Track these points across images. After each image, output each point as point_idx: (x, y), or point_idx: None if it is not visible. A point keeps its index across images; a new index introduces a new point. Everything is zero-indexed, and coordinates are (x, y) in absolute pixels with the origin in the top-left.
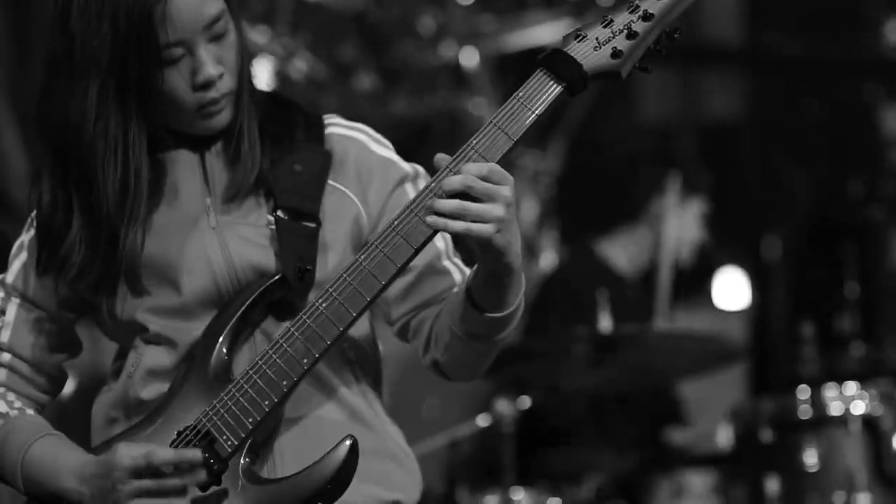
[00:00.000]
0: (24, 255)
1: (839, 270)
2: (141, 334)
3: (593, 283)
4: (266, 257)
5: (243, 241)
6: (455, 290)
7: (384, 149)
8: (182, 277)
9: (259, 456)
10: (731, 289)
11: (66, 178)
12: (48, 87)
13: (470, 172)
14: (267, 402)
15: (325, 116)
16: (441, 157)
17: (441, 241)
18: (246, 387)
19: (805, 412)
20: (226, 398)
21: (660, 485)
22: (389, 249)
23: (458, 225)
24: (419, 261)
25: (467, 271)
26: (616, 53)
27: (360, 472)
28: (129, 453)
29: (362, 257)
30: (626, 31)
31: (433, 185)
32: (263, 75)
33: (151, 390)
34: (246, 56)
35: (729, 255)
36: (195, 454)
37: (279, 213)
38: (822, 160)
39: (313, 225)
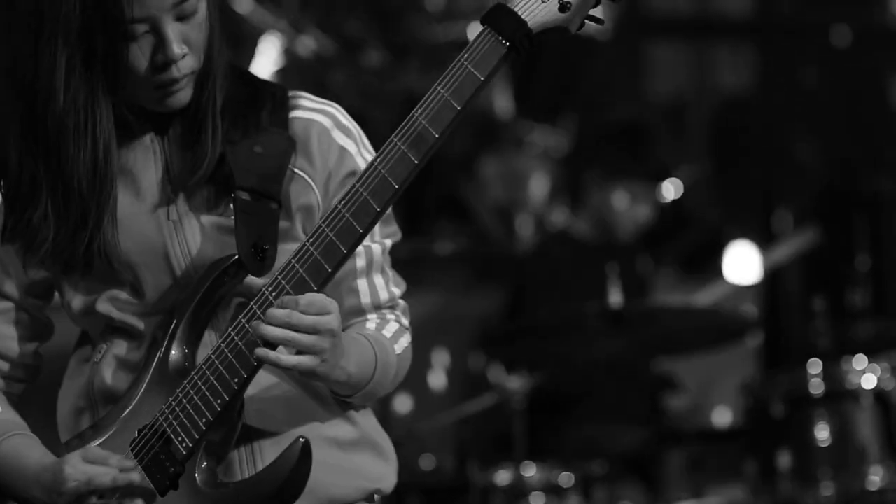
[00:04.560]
0: None
1: (850, 243)
2: (105, 323)
3: (568, 261)
4: (224, 249)
5: (203, 234)
6: (361, 311)
7: (345, 136)
8: (141, 272)
9: (222, 458)
10: (743, 263)
11: (36, 147)
12: (15, 47)
13: (291, 307)
14: (219, 402)
15: (293, 96)
16: (252, 281)
17: (362, 260)
18: (199, 383)
19: (817, 386)
20: (181, 395)
21: (672, 459)
22: (337, 232)
23: (290, 360)
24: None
25: (384, 295)
26: (564, 6)
27: (341, 464)
28: (73, 475)
29: (310, 241)
30: None
31: (276, 280)
32: (272, 52)
33: (117, 378)
34: (216, 35)
35: (740, 229)
36: (134, 476)
37: (238, 194)
38: (833, 133)
39: (274, 206)
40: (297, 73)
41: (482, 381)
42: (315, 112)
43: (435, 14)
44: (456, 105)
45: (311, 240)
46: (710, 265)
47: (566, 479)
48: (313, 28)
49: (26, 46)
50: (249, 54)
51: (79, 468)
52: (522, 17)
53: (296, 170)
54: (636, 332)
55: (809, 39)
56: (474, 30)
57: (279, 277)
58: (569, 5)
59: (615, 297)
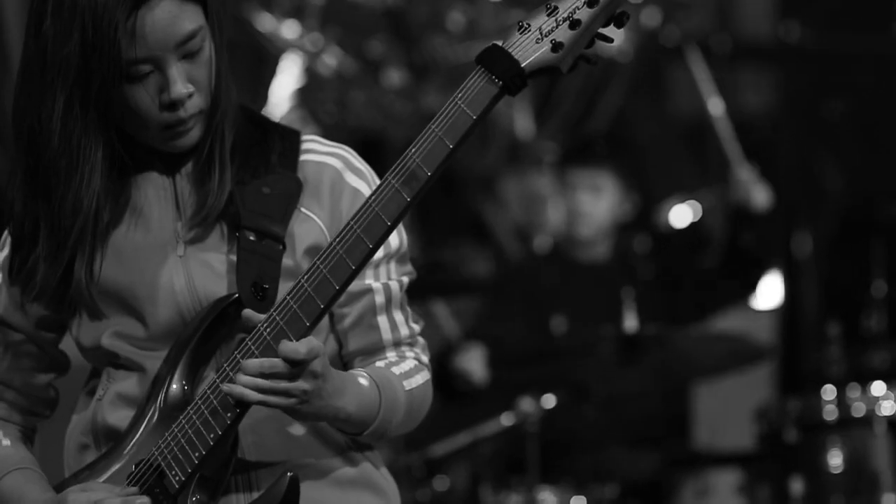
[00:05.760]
0: None
1: (867, 269)
2: (111, 359)
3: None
4: (230, 287)
5: (208, 270)
6: (381, 347)
7: (357, 178)
8: (146, 307)
9: (216, 493)
10: (764, 286)
11: (36, 188)
12: (21, 91)
13: (265, 367)
14: (212, 436)
15: (304, 139)
16: (248, 314)
17: (381, 296)
18: (194, 417)
19: (830, 413)
20: (175, 430)
21: (684, 484)
22: (330, 269)
23: (255, 396)
24: (355, 310)
25: (404, 331)
26: (557, 46)
27: (338, 497)
28: (78, 501)
29: (305, 278)
30: (569, 20)
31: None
32: (293, 70)
33: (120, 416)
34: (223, 74)
35: None
36: (144, 500)
37: (243, 233)
38: (854, 157)
39: (278, 247)
40: (318, 91)
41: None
42: (327, 155)
43: (456, 34)
44: (448, 144)
45: (305, 276)
46: None
47: (579, 502)
48: (335, 47)
49: (31, 90)
50: (271, 73)
51: (81, 497)
52: (515, 56)
53: (305, 210)
54: (651, 357)
55: (832, 62)
56: None
57: (274, 313)
58: (561, 45)
59: (630, 322)
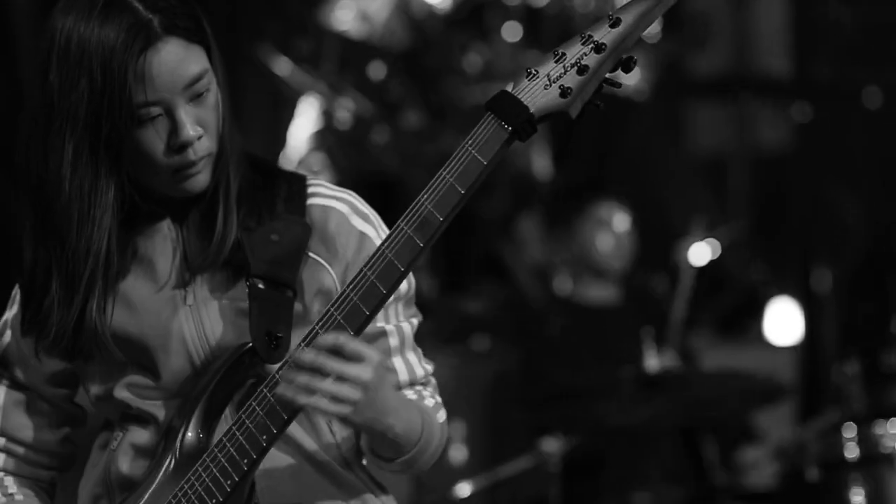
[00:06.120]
0: (7, 335)
1: (887, 305)
2: (123, 410)
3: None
4: (241, 333)
5: (219, 318)
6: (398, 388)
7: (363, 222)
8: (158, 357)
9: None
10: (784, 322)
11: (46, 236)
12: (29, 140)
13: (323, 347)
14: (229, 482)
15: (309, 184)
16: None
17: (395, 338)
18: (211, 465)
19: (852, 450)
20: (192, 478)
21: None
22: (345, 316)
23: (308, 400)
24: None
25: (419, 371)
26: (565, 92)
27: None
28: None
29: (319, 324)
30: (577, 66)
31: (314, 330)
32: (311, 113)
33: (134, 466)
34: (228, 118)
35: (779, 289)
36: None
37: (253, 281)
38: (875, 192)
39: (289, 294)
40: (335, 134)
41: (517, 442)
42: (332, 199)
43: (473, 76)
44: (460, 189)
45: (319, 322)
46: (748, 327)
47: None
48: (352, 90)
49: (38, 139)
50: (289, 116)
51: None
52: (524, 102)
53: (313, 255)
54: (671, 396)
55: (850, 98)
56: None
57: (289, 359)
58: (569, 91)
59: (651, 362)
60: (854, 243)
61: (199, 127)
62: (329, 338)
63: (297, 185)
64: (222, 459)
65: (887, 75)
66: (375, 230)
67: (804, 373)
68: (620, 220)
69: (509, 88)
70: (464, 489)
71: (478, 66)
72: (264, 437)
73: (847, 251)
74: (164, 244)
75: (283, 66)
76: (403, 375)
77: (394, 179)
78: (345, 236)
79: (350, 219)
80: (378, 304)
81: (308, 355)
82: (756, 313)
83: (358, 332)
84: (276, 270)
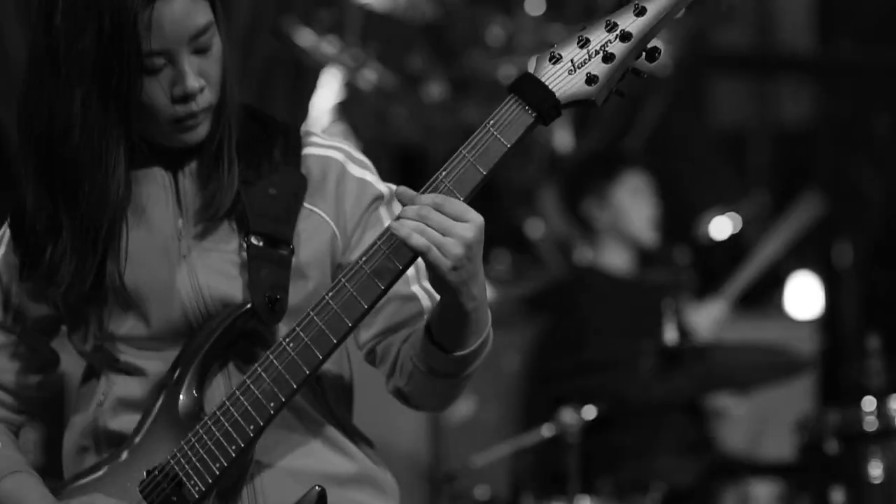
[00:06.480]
0: None
1: None
2: (111, 362)
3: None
4: (236, 288)
5: (214, 271)
6: (424, 316)
7: (361, 169)
8: (151, 308)
9: (230, 500)
10: (804, 295)
11: (52, 185)
12: (31, 88)
13: (424, 203)
14: (234, 447)
15: (304, 134)
16: (403, 190)
17: (412, 269)
18: (213, 429)
19: (871, 424)
20: (194, 440)
21: (724, 494)
22: (358, 288)
23: (420, 241)
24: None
25: (436, 298)
26: (591, 79)
27: (340, 501)
28: None
29: (330, 295)
30: (602, 52)
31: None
32: (333, 85)
33: (122, 421)
34: (230, 71)
35: (800, 263)
36: None
37: (251, 238)
38: (894, 167)
39: (286, 251)
40: (358, 106)
41: (538, 413)
42: (329, 149)
43: (496, 49)
44: (482, 170)
45: (330, 293)
46: (768, 300)
47: None
48: (375, 62)
49: (43, 86)
50: (312, 87)
51: None
52: (550, 87)
53: (310, 206)
54: (691, 369)
55: (872, 74)
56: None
57: (297, 328)
58: (596, 79)
59: (671, 335)
60: (874, 218)
61: (202, 79)
62: (434, 196)
63: (292, 135)
64: (226, 424)
65: None
66: (373, 174)
67: (824, 347)
68: (651, 187)
69: (532, 70)
70: (482, 459)
71: (500, 39)
72: (272, 404)
73: (867, 226)
74: (158, 193)
75: (306, 38)
76: (426, 301)
77: (416, 152)
78: (343, 184)
79: (347, 166)
80: (394, 277)
81: (414, 208)
82: (776, 287)
83: (370, 307)
84: (275, 226)
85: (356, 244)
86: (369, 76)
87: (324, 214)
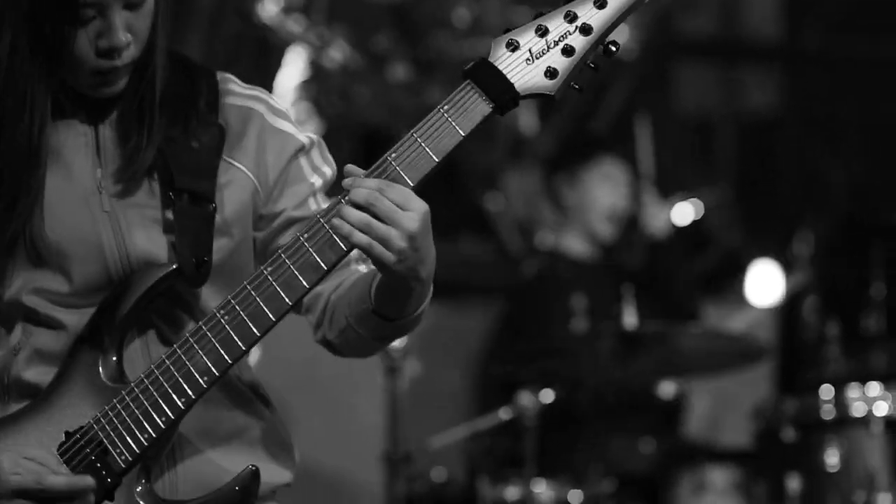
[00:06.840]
0: None
1: (867, 270)
2: (28, 315)
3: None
4: (161, 247)
5: (138, 227)
6: (352, 263)
7: (281, 120)
8: (73, 265)
9: (152, 468)
10: (765, 282)
11: None
12: None
13: (370, 187)
14: (163, 419)
15: (221, 80)
16: (351, 169)
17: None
18: (141, 397)
19: (828, 412)
20: (119, 406)
21: (681, 479)
22: (299, 265)
23: (362, 238)
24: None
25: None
26: (551, 73)
27: (258, 457)
28: (14, 470)
29: (269, 270)
30: (561, 45)
31: (342, 198)
32: (299, 63)
33: (37, 372)
34: (160, 27)
35: (760, 250)
36: (88, 483)
37: (175, 196)
38: (858, 157)
39: (210, 209)
40: (323, 84)
41: (494, 396)
42: (248, 99)
43: (461, 30)
44: (435, 158)
45: (269, 268)
46: (729, 287)
47: (576, 496)
48: (340, 41)
49: None
50: (276, 65)
51: (19, 464)
52: (510, 79)
53: (229, 160)
54: (650, 354)
55: (838, 63)
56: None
57: (232, 300)
58: (556, 72)
59: (629, 319)
60: (836, 207)
61: (129, 34)
62: (379, 182)
63: (212, 83)
64: (155, 394)
65: (875, 43)
66: (293, 125)
67: (783, 334)
68: (624, 177)
69: (489, 58)
70: (439, 440)
71: (466, 20)
72: (205, 378)
73: (831, 214)
74: (75, 142)
75: (272, 15)
76: (354, 253)
77: (380, 132)
78: (264, 137)
79: (267, 117)
80: (337, 260)
81: (363, 192)
82: (738, 274)
83: (311, 286)
84: (198, 182)
85: (278, 196)
86: (334, 55)
87: (244, 168)
